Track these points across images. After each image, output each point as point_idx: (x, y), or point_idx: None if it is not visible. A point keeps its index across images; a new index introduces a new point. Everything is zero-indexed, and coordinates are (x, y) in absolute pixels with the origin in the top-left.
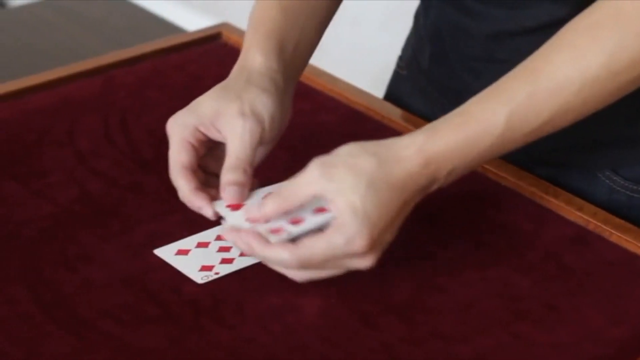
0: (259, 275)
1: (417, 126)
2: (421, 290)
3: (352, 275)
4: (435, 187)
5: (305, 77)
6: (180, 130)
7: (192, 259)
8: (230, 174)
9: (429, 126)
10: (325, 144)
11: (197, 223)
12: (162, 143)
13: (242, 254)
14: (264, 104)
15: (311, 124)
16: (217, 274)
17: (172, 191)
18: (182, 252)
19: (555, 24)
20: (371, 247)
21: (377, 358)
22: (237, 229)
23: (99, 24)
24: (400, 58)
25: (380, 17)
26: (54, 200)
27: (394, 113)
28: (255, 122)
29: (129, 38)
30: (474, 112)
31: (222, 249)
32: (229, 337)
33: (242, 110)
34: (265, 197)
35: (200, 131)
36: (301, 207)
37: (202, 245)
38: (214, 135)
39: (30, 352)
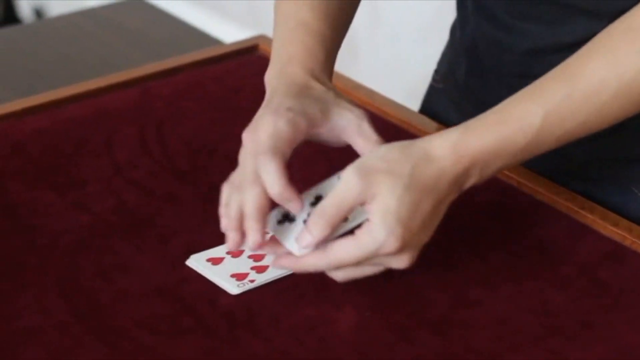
0: (294, 288)
1: None
2: (456, 304)
3: (387, 289)
4: (468, 185)
5: (343, 90)
6: (290, 126)
7: (224, 268)
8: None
9: (464, 124)
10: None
11: None
12: (198, 154)
13: None
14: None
15: None
16: (252, 281)
17: (208, 202)
18: (214, 261)
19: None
20: (402, 248)
21: None
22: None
23: (137, 35)
24: (436, 72)
25: (417, 30)
26: (90, 210)
27: (430, 126)
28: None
29: (166, 50)
30: (509, 111)
31: (255, 257)
32: (264, 349)
33: (356, 113)
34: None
35: (306, 131)
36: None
37: (234, 254)
38: (323, 135)
39: None
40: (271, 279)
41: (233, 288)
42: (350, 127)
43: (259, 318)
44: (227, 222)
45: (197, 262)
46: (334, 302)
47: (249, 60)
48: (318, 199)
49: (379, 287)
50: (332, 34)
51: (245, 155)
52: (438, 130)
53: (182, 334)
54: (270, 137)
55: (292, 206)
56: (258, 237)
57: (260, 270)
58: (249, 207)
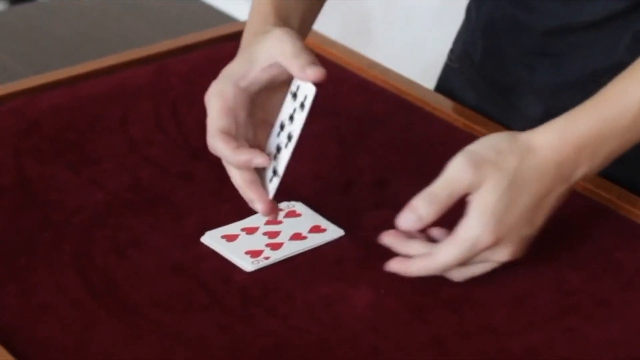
0: (308, 265)
1: (468, 118)
2: (472, 283)
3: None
4: (578, 174)
5: (358, 68)
6: (220, 95)
7: (239, 245)
8: (308, 56)
9: (564, 114)
10: (376, 135)
11: (248, 211)
12: None
13: (291, 239)
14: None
15: (363, 114)
16: (266, 258)
17: (223, 180)
18: (229, 238)
19: (611, 19)
20: (498, 242)
21: (427, 351)
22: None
23: (153, 13)
24: (452, 51)
25: (433, 10)
26: (105, 187)
27: (445, 104)
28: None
29: (182, 27)
30: (607, 94)
31: (270, 234)
32: (278, 326)
33: (288, 31)
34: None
35: (242, 87)
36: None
37: (249, 230)
38: (262, 78)
39: (80, 338)
40: (286, 257)
41: (247, 265)
42: (274, 53)
43: (274, 295)
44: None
45: (212, 239)
46: (349, 280)
47: None
48: (282, 127)
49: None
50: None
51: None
52: (454, 108)
53: (196, 311)
54: (209, 119)
55: (257, 163)
56: (261, 206)
57: (275, 247)
58: (236, 182)
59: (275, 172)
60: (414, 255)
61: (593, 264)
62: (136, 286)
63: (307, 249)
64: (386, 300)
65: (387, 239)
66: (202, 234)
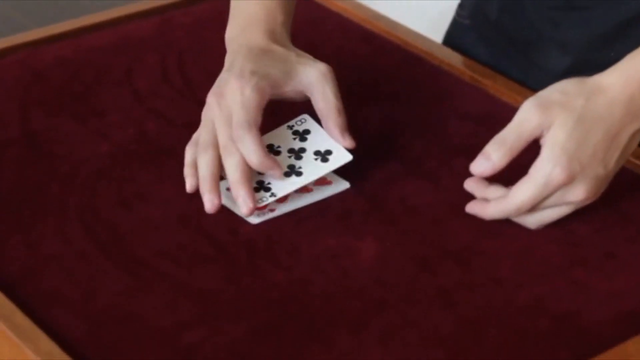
0: (314, 218)
1: (475, 70)
2: (479, 235)
3: (409, 219)
4: None
5: (364, 20)
6: (257, 94)
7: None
8: (340, 119)
9: (630, 54)
10: (382, 88)
11: None
12: None
13: (296, 191)
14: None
15: (369, 67)
16: (272, 210)
17: None
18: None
19: None
20: (571, 179)
21: (434, 302)
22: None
23: None
24: (461, 7)
25: None
26: (111, 139)
27: (452, 58)
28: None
29: None
30: None
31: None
32: (284, 279)
33: (309, 58)
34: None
35: (270, 92)
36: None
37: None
38: (288, 94)
39: (86, 290)
40: (291, 210)
41: (253, 217)
42: (314, 86)
43: (279, 247)
44: (194, 182)
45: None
46: (355, 233)
47: None
48: (270, 147)
49: (399, 217)
50: None
51: (214, 119)
52: (461, 61)
53: (202, 263)
54: (241, 108)
55: (273, 174)
56: (246, 208)
57: (281, 200)
58: (234, 174)
59: (270, 192)
60: (492, 199)
61: (600, 216)
62: (142, 238)
63: (312, 202)
64: (392, 253)
65: (469, 184)
66: None
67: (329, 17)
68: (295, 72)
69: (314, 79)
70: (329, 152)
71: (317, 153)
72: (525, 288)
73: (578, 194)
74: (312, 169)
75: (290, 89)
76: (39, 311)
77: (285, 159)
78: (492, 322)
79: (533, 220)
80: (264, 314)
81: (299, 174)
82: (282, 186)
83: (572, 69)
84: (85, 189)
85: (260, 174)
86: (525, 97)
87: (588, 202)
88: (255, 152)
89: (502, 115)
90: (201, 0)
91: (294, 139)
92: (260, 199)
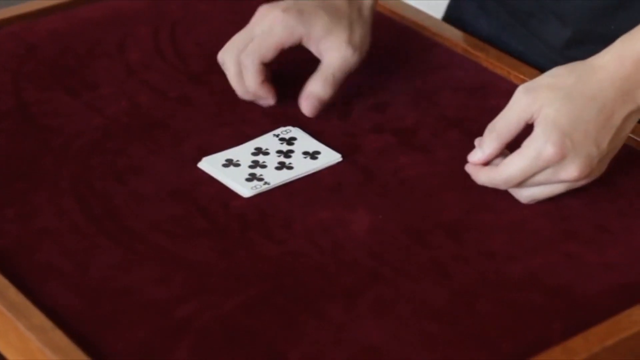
0: (307, 190)
1: (468, 42)
2: (471, 208)
3: (402, 192)
4: None
5: None
6: (285, 33)
7: (236, 170)
8: (320, 87)
9: (623, 36)
10: (374, 59)
11: (247, 135)
12: (212, 56)
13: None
14: (368, 41)
15: None
16: (266, 183)
17: (221, 104)
18: (230, 164)
19: None
20: (562, 156)
21: (427, 275)
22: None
23: None
24: None
25: None
26: (104, 112)
27: (444, 30)
28: (358, 57)
29: None
30: None
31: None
32: (277, 251)
33: (353, 41)
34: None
35: (299, 40)
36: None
37: (260, 153)
38: (311, 48)
39: (79, 263)
40: (284, 182)
41: (246, 190)
42: (323, 67)
43: (272, 220)
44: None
45: (209, 164)
46: (348, 205)
47: None
48: (258, 150)
49: (393, 189)
50: None
51: (243, 32)
52: (453, 34)
53: (195, 235)
54: (262, 39)
55: (265, 102)
56: (272, 102)
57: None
58: (253, 80)
59: (263, 181)
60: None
61: (592, 189)
62: (135, 211)
63: (305, 173)
64: (385, 225)
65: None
66: (201, 159)
67: None
68: (324, 41)
69: (327, 62)
70: (317, 152)
71: (305, 153)
72: (518, 261)
73: (570, 172)
74: (302, 165)
75: (315, 48)
76: (32, 285)
77: (274, 158)
78: (485, 294)
79: (526, 195)
80: (257, 287)
81: (290, 168)
82: (275, 176)
83: (572, 42)
84: (78, 162)
85: (253, 166)
86: (517, 69)
87: (581, 182)
88: (253, 79)
89: (495, 87)
90: None
91: (281, 143)
92: (254, 187)
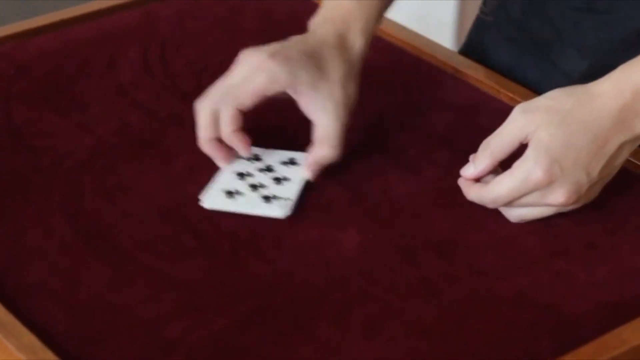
0: (297, 209)
1: (457, 62)
2: (461, 226)
3: (391, 210)
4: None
5: None
6: (267, 80)
7: (246, 197)
8: (326, 154)
9: (623, 65)
10: (363, 78)
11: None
12: (202, 75)
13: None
14: (356, 96)
15: None
16: (288, 199)
17: None
18: (233, 194)
19: None
20: (551, 181)
21: (416, 293)
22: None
23: None
24: (484, 4)
25: None
26: (94, 131)
27: (433, 48)
28: (349, 114)
29: None
30: None
31: (265, 170)
32: (267, 270)
33: (343, 100)
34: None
35: (284, 91)
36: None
37: (245, 176)
38: (296, 100)
39: (69, 282)
40: (300, 190)
41: (279, 210)
42: (319, 132)
43: (262, 239)
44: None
45: (215, 200)
46: (338, 224)
47: None
48: (240, 174)
49: (382, 208)
50: None
51: (234, 72)
52: (441, 52)
53: (185, 255)
54: (242, 85)
55: (239, 149)
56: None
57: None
58: (228, 128)
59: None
60: (482, 182)
61: (582, 207)
62: (125, 230)
63: (304, 179)
64: (375, 244)
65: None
66: (191, 177)
67: (312, 10)
68: (313, 99)
69: (318, 125)
70: (292, 158)
71: (284, 163)
72: (507, 279)
73: (557, 197)
74: (294, 173)
75: (301, 104)
76: (22, 304)
77: (263, 176)
78: (475, 312)
79: (514, 214)
80: (247, 306)
81: (287, 180)
82: (286, 190)
83: (589, 73)
84: (68, 181)
85: (255, 189)
86: (507, 88)
87: (570, 207)
88: (227, 125)
89: (485, 106)
90: None
91: (253, 163)
92: (284, 205)
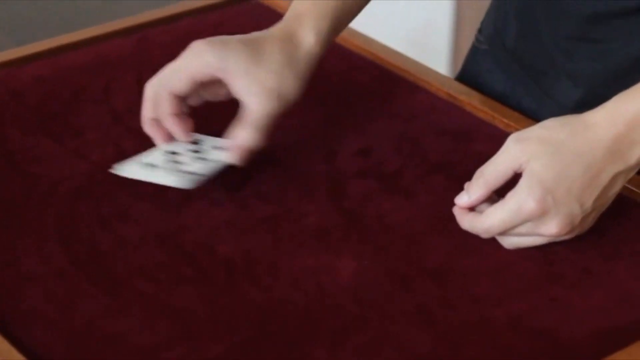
0: (292, 236)
1: (452, 88)
2: (456, 252)
3: (387, 237)
4: (635, 155)
5: (341, 37)
6: (197, 64)
7: (161, 169)
8: (247, 136)
9: (617, 95)
10: (358, 104)
11: (233, 181)
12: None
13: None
14: (295, 92)
15: (345, 83)
16: (199, 175)
17: None
18: (151, 166)
19: None
20: (543, 212)
21: (411, 320)
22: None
23: None
24: (480, 32)
25: None
26: (89, 158)
27: (427, 74)
28: (282, 105)
29: None
30: None
31: (195, 151)
32: (263, 297)
33: (274, 88)
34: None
35: (216, 75)
36: (502, 183)
37: (172, 154)
38: (228, 85)
39: (64, 309)
40: (215, 169)
41: (183, 182)
42: (245, 114)
43: (258, 266)
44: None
45: (130, 169)
46: (333, 251)
47: (247, 8)
48: (171, 152)
49: (377, 234)
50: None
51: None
52: (436, 78)
53: (180, 282)
54: (173, 68)
55: (174, 132)
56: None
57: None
58: (166, 111)
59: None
60: (477, 210)
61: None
62: (120, 257)
63: (222, 163)
64: (370, 270)
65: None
66: (186, 204)
67: None
68: (244, 80)
69: (252, 106)
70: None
71: (216, 147)
72: (503, 305)
73: (550, 228)
74: (220, 155)
75: (231, 87)
76: (17, 332)
77: (190, 154)
78: (470, 339)
79: (509, 242)
80: (243, 333)
81: (208, 159)
82: (201, 167)
83: (583, 102)
84: (63, 207)
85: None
86: (501, 114)
87: (564, 237)
88: (164, 109)
89: (479, 132)
90: (178, 19)
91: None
92: (192, 180)
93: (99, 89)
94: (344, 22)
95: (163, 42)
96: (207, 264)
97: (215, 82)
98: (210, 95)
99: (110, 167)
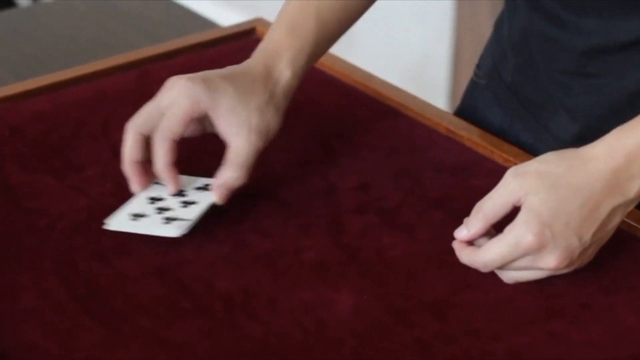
0: (291, 270)
1: (451, 123)
2: (455, 287)
3: (385, 271)
4: (634, 188)
5: (341, 73)
6: (190, 103)
7: (150, 218)
8: (231, 175)
9: (616, 129)
10: (358, 139)
11: (232, 216)
12: (194, 138)
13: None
14: (276, 126)
15: (345, 119)
16: (188, 220)
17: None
18: (139, 216)
19: None
20: (541, 246)
21: (410, 354)
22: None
23: (134, 19)
24: (478, 67)
25: (412, 13)
26: (88, 193)
27: (427, 109)
28: (264, 142)
29: (164, 33)
30: None
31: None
32: (261, 332)
33: (259, 126)
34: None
35: (205, 111)
36: (501, 217)
37: (157, 200)
38: (214, 123)
39: (63, 343)
40: (202, 212)
41: (175, 230)
42: (231, 154)
43: (256, 300)
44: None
45: (120, 222)
46: (331, 285)
47: (247, 43)
48: (153, 199)
49: (376, 269)
50: (321, 32)
51: (160, 98)
52: (435, 113)
53: (179, 316)
54: (170, 113)
55: (169, 188)
56: (173, 189)
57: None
58: (161, 161)
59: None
60: (475, 244)
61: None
62: (119, 291)
63: (210, 203)
64: (369, 305)
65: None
66: (185, 239)
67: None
68: (230, 120)
69: (237, 146)
70: (207, 184)
71: (198, 188)
72: (502, 339)
73: (548, 262)
74: (204, 197)
75: (218, 127)
76: None
77: (174, 201)
78: None
79: (508, 277)
80: None
81: (194, 203)
82: (188, 213)
83: (580, 137)
84: (62, 242)
85: (160, 212)
86: (500, 148)
87: (563, 271)
88: (161, 159)
89: (478, 167)
90: (177, 54)
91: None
92: (180, 226)
93: (99, 124)
94: (323, 49)
95: (162, 77)
96: (206, 299)
97: (196, 120)
98: (187, 132)
99: (109, 202)
